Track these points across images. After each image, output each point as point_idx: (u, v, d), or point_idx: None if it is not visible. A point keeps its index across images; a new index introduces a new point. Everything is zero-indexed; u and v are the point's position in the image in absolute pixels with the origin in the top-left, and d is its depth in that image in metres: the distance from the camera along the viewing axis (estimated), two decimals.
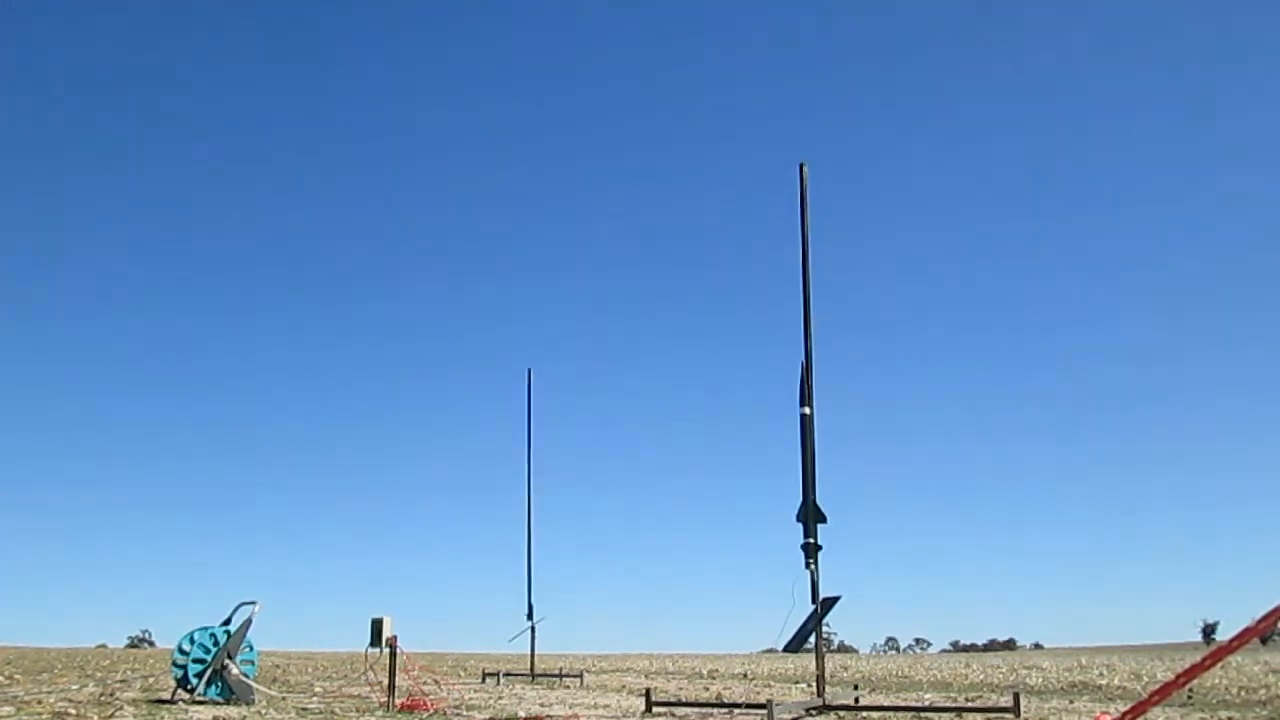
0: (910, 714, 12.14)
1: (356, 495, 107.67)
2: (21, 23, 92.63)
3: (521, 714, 11.19)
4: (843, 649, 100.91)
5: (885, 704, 12.84)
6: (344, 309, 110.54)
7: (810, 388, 11.86)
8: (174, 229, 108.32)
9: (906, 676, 25.17)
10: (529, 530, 22.34)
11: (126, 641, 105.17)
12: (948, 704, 12.95)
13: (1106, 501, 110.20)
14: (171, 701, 11.82)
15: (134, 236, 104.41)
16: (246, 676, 11.97)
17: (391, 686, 12.05)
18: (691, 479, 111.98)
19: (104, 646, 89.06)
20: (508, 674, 22.60)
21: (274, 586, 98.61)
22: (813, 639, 11.40)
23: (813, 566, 11.23)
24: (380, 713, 11.02)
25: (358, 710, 11.34)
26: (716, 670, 32.25)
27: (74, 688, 15.29)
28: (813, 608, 11.17)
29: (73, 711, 10.30)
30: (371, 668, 13.85)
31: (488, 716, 10.85)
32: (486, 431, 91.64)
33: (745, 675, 27.02)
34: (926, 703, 13.73)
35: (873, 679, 23.30)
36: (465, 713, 11.29)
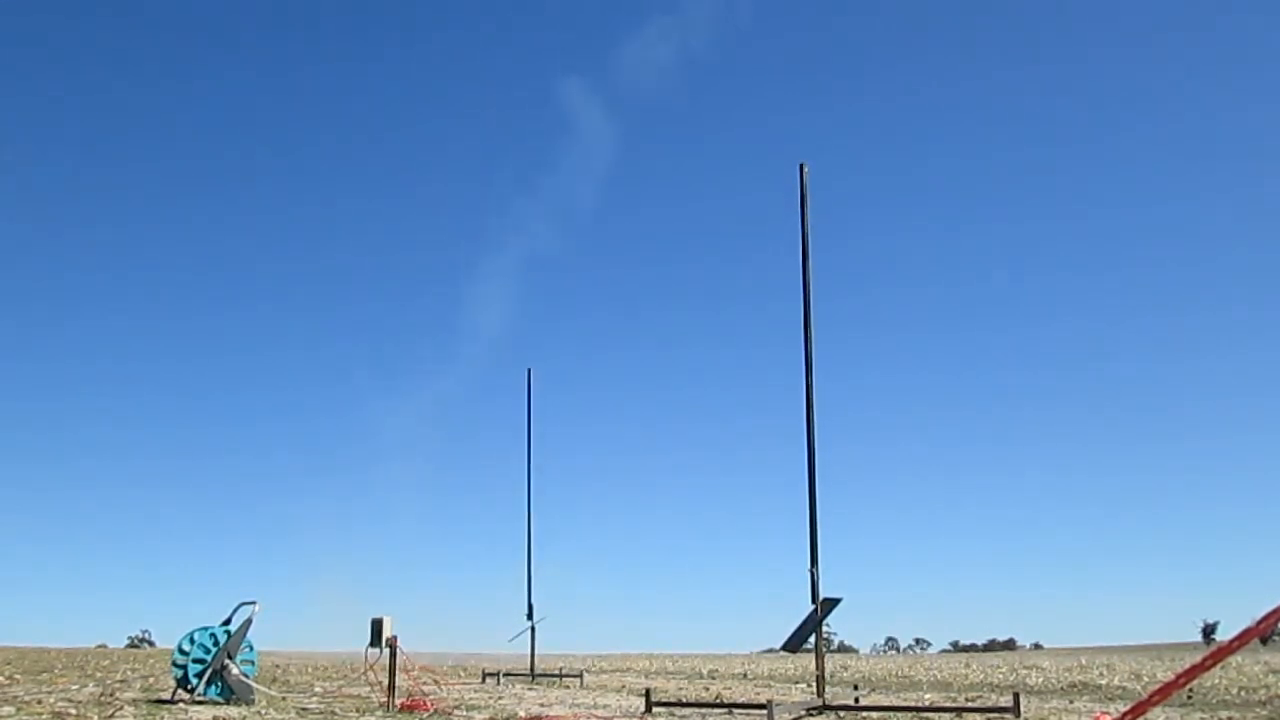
0: (910, 714, 12.15)
1: (357, 495, 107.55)
2: (21, 22, 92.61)
3: (521, 714, 11.19)
4: (843, 649, 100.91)
5: (885, 704, 12.85)
6: (343, 308, 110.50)
7: (811, 387, 11.88)
8: (177, 227, 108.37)
9: (906, 676, 25.17)
10: (529, 530, 22.38)
11: (126, 641, 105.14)
12: (948, 704, 12.95)
13: (1107, 501, 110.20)
14: (171, 701, 11.82)
15: (136, 235, 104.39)
16: (246, 676, 11.97)
17: (391, 686, 12.05)
18: (692, 479, 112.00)
19: (104, 646, 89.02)
20: (508, 674, 22.60)
21: (274, 586, 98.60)
22: (813, 639, 11.40)
23: (814, 569, 11.24)
24: (380, 713, 11.02)
25: (358, 710, 11.34)
26: (716, 670, 32.27)
27: (74, 688, 15.29)
28: (812, 608, 11.17)
29: (73, 711, 10.30)
30: (371, 668, 13.85)
31: (488, 717, 10.85)
32: (487, 431, 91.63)
33: (745, 675, 27.03)
34: (927, 703, 13.73)
35: (873, 679, 23.30)
36: (465, 713, 11.29)
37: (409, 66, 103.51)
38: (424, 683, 16.68)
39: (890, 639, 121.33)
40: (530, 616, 21.63)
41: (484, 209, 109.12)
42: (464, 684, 20.00)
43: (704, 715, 11.33)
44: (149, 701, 12.11)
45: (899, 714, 11.88)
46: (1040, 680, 21.01)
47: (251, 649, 12.24)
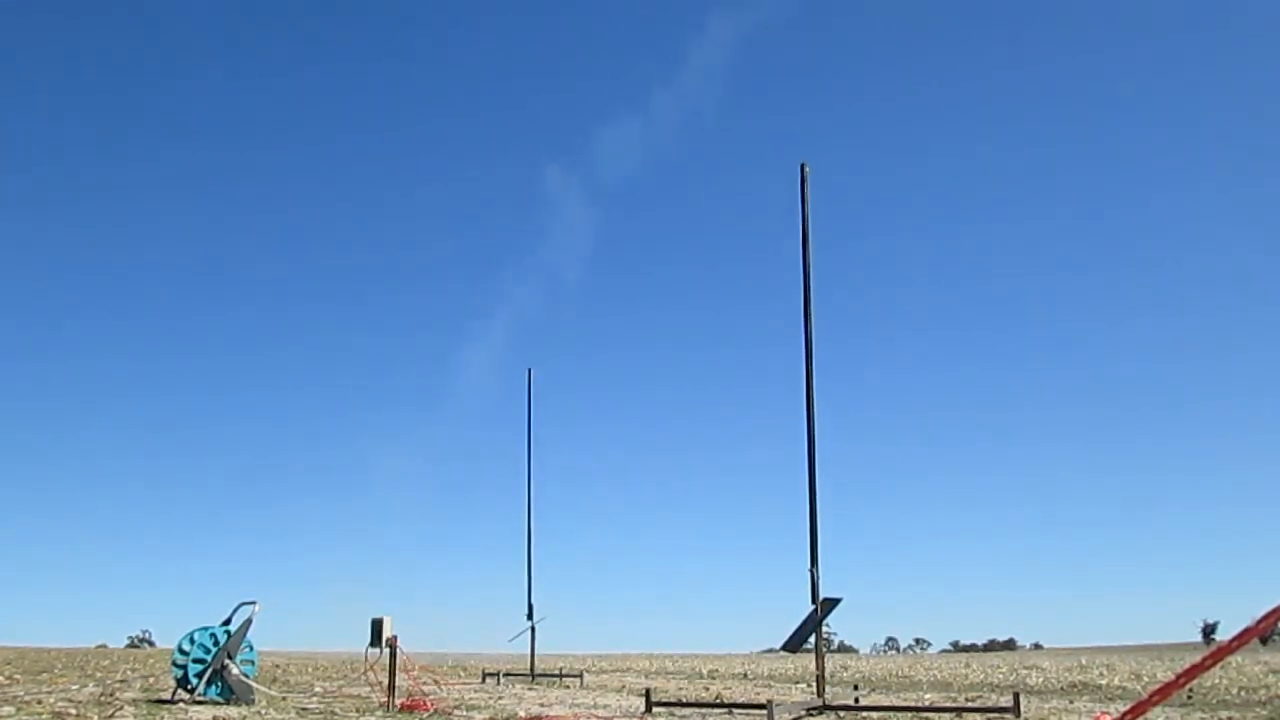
0: (910, 714, 12.14)
1: (357, 495, 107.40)
2: (21, 22, 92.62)
3: (521, 714, 11.19)
4: (843, 649, 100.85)
5: (885, 704, 12.84)
6: (344, 309, 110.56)
7: (811, 387, 11.87)
8: (177, 227, 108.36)
9: (906, 676, 25.16)
10: (529, 530, 22.37)
11: (126, 641, 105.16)
12: (948, 704, 12.95)
13: (1107, 501, 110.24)
14: (172, 701, 11.81)
15: (136, 235, 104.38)
16: (246, 676, 11.97)
17: (391, 686, 12.04)
18: (692, 479, 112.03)
19: (104, 646, 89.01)
20: (508, 674, 22.59)
21: (274, 586, 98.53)
22: (813, 639, 11.39)
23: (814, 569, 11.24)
24: (380, 713, 11.02)
25: (358, 710, 11.34)
26: (716, 670, 32.26)
27: (74, 688, 15.28)
28: (812, 608, 11.17)
29: (73, 711, 10.29)
30: (372, 668, 13.85)
31: (488, 717, 10.85)
32: (487, 431, 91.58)
33: (745, 675, 27.03)
34: (927, 703, 13.73)
35: (873, 679, 23.29)
36: (465, 713, 11.29)
37: (412, 65, 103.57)
38: (424, 683, 16.68)
39: (890, 639, 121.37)
40: (530, 616, 21.62)
41: (495, 210, 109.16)
42: (464, 684, 20.00)
43: (704, 715, 11.33)
44: (149, 701, 12.10)
45: (899, 714, 11.88)
46: (1040, 680, 21.00)
47: (251, 649, 12.24)
